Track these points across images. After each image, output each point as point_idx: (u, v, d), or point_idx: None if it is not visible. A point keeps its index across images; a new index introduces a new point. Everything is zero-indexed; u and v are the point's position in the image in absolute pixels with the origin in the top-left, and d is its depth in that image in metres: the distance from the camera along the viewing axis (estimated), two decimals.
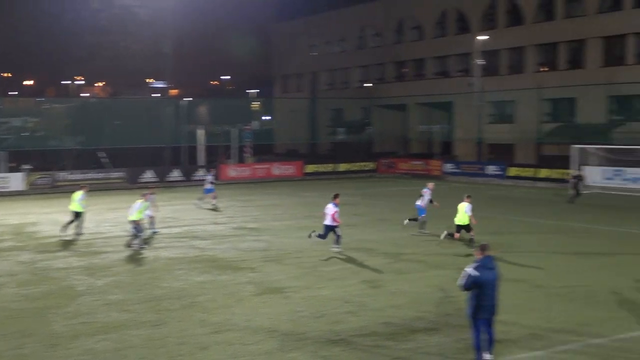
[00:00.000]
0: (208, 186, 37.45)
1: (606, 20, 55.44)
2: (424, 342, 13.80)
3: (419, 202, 27.51)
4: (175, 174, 52.52)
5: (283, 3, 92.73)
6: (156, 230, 27.94)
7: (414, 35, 74.16)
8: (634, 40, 54.22)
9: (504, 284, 13.02)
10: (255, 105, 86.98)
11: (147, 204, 25.58)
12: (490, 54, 63.95)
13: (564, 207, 36.70)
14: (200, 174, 52.71)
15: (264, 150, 71.96)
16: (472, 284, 12.11)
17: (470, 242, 23.79)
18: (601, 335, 14.05)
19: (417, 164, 59.91)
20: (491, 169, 54.06)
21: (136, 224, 24.18)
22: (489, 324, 12.22)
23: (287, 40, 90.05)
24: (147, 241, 25.14)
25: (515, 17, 63.26)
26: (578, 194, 37.73)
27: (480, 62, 59.57)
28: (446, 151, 66.51)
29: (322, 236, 23.36)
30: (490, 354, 12.23)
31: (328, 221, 22.95)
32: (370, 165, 61.87)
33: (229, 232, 28.51)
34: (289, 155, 74.76)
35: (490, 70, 64.66)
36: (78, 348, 13.68)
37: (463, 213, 23.89)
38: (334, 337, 14.17)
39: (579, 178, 38.03)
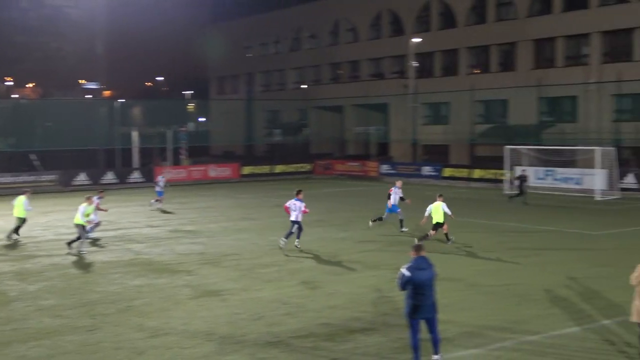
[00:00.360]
0: (158, 189, 37.16)
1: (536, 24, 56.64)
2: (362, 342, 13.86)
3: (389, 202, 27.75)
4: (109, 177, 51.76)
5: (218, 4, 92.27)
6: (97, 237, 27.56)
7: (349, 37, 74.60)
8: (563, 43, 55.52)
9: (439, 283, 13.14)
10: (191, 106, 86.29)
11: (92, 207, 25.03)
12: (424, 56, 64.74)
13: (498, 206, 37.36)
14: (135, 176, 52.10)
15: (200, 152, 71.44)
16: (405, 284, 12.20)
17: (447, 238, 24.82)
18: (535, 332, 14.32)
19: (354, 165, 60.27)
20: (427, 170, 54.70)
21: (81, 228, 23.71)
22: (431, 324, 12.28)
23: (223, 42, 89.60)
24: (88, 245, 24.66)
25: (449, 20, 64.15)
26: (523, 193, 38.30)
27: (414, 64, 60.22)
28: (382, 152, 67.08)
29: (288, 234, 24.09)
30: (437, 354, 12.30)
31: (294, 217, 23.83)
32: (307, 166, 61.98)
33: (165, 234, 28.22)
34: (225, 157, 74.41)
35: (424, 72, 65.46)
36: (10, 355, 13.36)
37: (440, 212, 24.33)
38: (272, 339, 14.14)
39: (524, 178, 38.63)
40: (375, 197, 39.58)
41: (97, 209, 27.23)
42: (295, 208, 23.88)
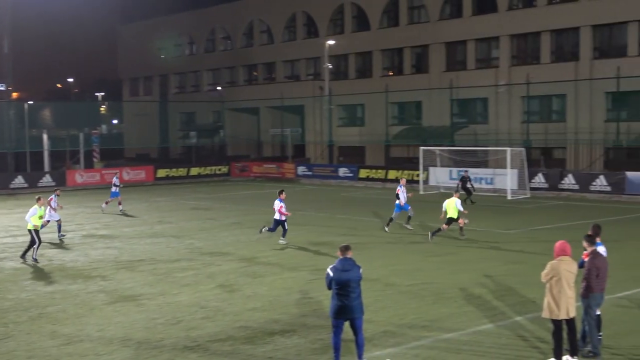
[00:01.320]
0: (114, 189, 36.39)
1: (447, 27, 57.73)
2: (282, 344, 13.86)
3: (399, 201, 28.42)
4: (19, 181, 50.25)
5: (130, 4, 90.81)
6: (64, 234, 27.87)
7: (264, 38, 74.53)
8: (474, 46, 56.77)
9: None
10: (103, 108, 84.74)
11: (43, 209, 24.16)
12: (339, 58, 65.25)
13: (412, 207, 37.82)
14: (46, 179, 50.78)
15: (114, 154, 70.19)
16: (329, 284, 12.27)
17: (461, 231, 26.32)
18: (451, 329, 14.58)
19: (271, 167, 60.22)
20: (343, 171, 55.08)
21: (35, 233, 22.80)
22: (355, 326, 12.28)
23: (135, 42, 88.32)
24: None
25: (362, 23, 64.78)
26: (469, 193, 38.84)
27: (329, 66, 60.60)
28: (299, 154, 67.24)
29: (272, 229, 25.51)
30: (361, 357, 12.33)
31: (277, 215, 25.09)
32: (223, 169, 61.59)
33: (78, 239, 27.60)
34: (139, 160, 73.31)
35: (339, 74, 65.96)
36: None
37: (454, 208, 25.59)
38: (190, 343, 14.00)
39: (466, 179, 39.28)
40: (291, 198, 39.58)
41: (52, 207, 27.44)
42: (276, 207, 25.16)
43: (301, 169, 57.79)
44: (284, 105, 65.17)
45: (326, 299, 14.45)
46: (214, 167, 61.27)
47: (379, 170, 53.22)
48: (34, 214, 22.93)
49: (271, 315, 15.90)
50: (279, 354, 13.28)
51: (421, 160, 46.93)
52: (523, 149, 44.07)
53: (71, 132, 62.58)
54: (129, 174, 55.58)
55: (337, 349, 12.28)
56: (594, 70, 48.75)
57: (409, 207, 28.75)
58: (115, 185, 36.44)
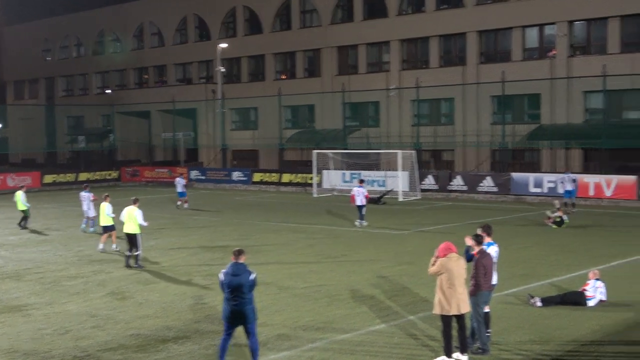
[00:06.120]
0: (180, 189, 38.70)
1: (339, 31, 58.29)
2: (175, 351, 13.64)
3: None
4: None
5: (15, 5, 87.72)
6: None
7: (155, 41, 73.40)
8: (365, 50, 57.53)
9: None
10: None
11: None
12: (232, 61, 64.94)
13: (306, 209, 38.07)
14: None
15: None
16: (221, 288, 12.21)
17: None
18: (345, 331, 14.69)
19: (162, 171, 59.34)
20: (236, 175, 54.83)
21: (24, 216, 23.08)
22: (248, 331, 12.25)
23: (20, 44, 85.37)
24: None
25: (255, 26, 64.67)
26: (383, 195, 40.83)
27: (221, 69, 60.20)
28: (192, 158, 66.49)
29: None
30: None
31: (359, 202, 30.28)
32: (113, 174, 60.29)
33: None
34: (25, 165, 70.86)
35: (232, 77, 65.65)
36: None
37: None
38: (80, 353, 13.59)
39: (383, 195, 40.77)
40: (193, 204, 39.08)
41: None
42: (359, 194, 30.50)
43: (194, 173, 57.19)
44: (176, 109, 64.33)
45: (220, 304, 14.30)
46: (103, 172, 59.94)
47: (273, 174, 53.25)
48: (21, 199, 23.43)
49: (164, 322, 15.63)
50: None
51: (315, 164, 47.21)
52: (413, 151, 44.95)
53: None
54: (14, 180, 53.60)
55: (223, 349, 12.32)
56: (481, 75, 50.21)
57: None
58: (181, 185, 39.10)
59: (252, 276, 12.29)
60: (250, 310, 12.24)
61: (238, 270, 12.22)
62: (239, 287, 12.10)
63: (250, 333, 12.27)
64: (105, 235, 24.99)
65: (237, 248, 12.69)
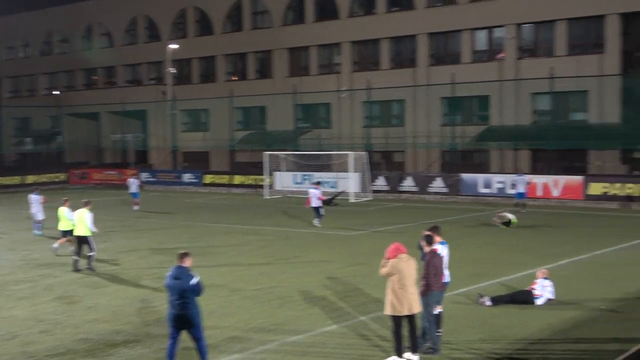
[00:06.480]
0: (133, 189, 38.76)
1: (290, 33, 58.27)
2: (124, 355, 13.46)
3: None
4: None
5: None
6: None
7: (104, 42, 72.51)
8: (316, 52, 57.60)
9: None
10: None
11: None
12: (182, 62, 64.46)
13: (258, 211, 37.95)
14: None
15: None
16: (165, 289, 12.13)
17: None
18: (297, 332, 14.66)
19: (112, 173, 58.64)
20: (187, 177, 54.45)
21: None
22: (193, 335, 12.13)
23: None
24: None
25: (206, 27, 64.32)
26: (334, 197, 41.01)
27: (172, 70, 59.72)
28: (142, 160, 65.80)
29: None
30: None
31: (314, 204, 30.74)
32: (61, 176, 59.40)
33: None
34: None
35: (182, 78, 65.17)
36: None
37: None
38: (27, 358, 13.34)
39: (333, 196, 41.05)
40: (147, 206, 38.65)
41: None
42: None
43: (144, 175, 56.60)
44: (126, 110, 63.61)
45: None
46: (51, 175, 58.99)
47: (224, 176, 52.98)
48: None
49: (113, 326, 15.42)
50: None
51: (266, 165, 47.11)
52: (365, 152, 45.13)
53: None
54: None
55: (170, 356, 12.18)
56: (431, 77, 50.64)
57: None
58: (135, 186, 38.92)
59: (194, 280, 12.05)
60: (195, 315, 12.08)
61: (180, 274, 12.07)
62: (182, 291, 11.95)
63: (196, 338, 12.15)
64: (64, 239, 24.46)
65: (183, 251, 12.56)
